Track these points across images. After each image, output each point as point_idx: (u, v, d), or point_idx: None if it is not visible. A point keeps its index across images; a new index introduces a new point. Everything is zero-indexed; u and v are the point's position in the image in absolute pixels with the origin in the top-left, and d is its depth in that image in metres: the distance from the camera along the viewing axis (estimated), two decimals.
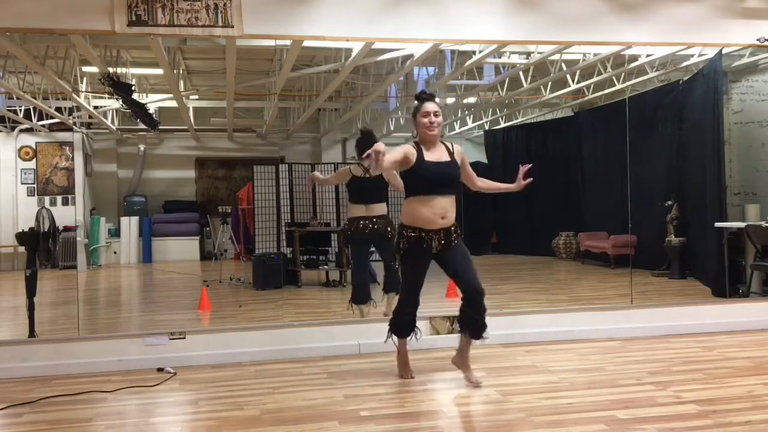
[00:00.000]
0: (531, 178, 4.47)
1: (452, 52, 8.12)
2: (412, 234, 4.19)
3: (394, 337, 4.45)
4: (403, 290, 4.44)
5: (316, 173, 5.89)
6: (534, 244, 11.52)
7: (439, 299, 6.44)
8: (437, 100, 4.39)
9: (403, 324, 4.40)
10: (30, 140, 12.85)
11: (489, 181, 4.62)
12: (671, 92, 8.93)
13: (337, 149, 13.11)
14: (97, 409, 3.94)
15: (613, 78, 9.22)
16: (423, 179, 4.17)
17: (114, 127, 12.30)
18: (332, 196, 10.57)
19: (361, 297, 6.04)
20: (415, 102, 4.36)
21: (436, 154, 4.25)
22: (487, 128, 12.67)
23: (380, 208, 6.02)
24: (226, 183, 13.80)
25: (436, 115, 4.24)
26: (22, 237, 5.42)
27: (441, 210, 4.18)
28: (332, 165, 11.02)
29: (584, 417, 3.55)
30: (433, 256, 4.26)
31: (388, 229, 5.97)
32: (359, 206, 6.01)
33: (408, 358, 4.49)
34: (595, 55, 8.10)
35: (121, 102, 9.15)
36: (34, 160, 12.90)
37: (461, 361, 4.34)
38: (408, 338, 4.45)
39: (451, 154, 4.29)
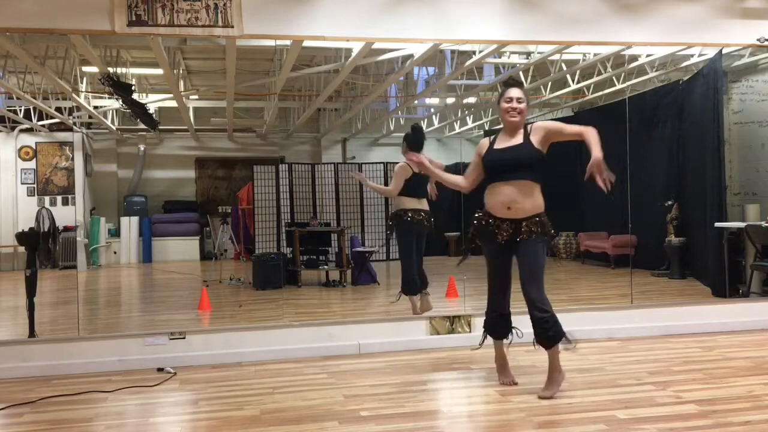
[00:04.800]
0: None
1: (452, 52, 8.13)
2: (482, 220, 4.10)
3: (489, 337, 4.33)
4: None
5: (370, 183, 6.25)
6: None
7: (438, 299, 6.44)
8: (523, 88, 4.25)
9: (492, 323, 4.29)
10: (30, 140, 12.85)
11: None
12: (671, 92, 8.92)
13: (337, 149, 13.10)
14: (97, 409, 3.95)
15: (613, 78, 9.22)
16: (486, 168, 4.12)
17: (114, 127, 12.30)
18: (332, 197, 10.57)
19: (411, 287, 6.09)
20: (500, 87, 4.25)
21: (510, 141, 4.10)
22: (487, 128, 12.66)
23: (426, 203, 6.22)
24: (226, 183, 13.78)
25: (519, 101, 4.09)
26: (22, 237, 5.42)
27: (506, 199, 3.99)
28: (332, 165, 11.01)
29: (584, 417, 3.55)
30: (507, 249, 4.08)
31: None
32: (412, 199, 6.12)
33: (506, 360, 4.33)
34: (595, 55, 8.11)
35: (121, 102, 9.15)
36: (34, 160, 12.90)
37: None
38: (505, 340, 4.29)
39: (526, 136, 4.07)
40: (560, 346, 4.00)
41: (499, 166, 4.04)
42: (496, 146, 4.12)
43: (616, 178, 3.70)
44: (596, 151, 3.74)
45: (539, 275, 4.03)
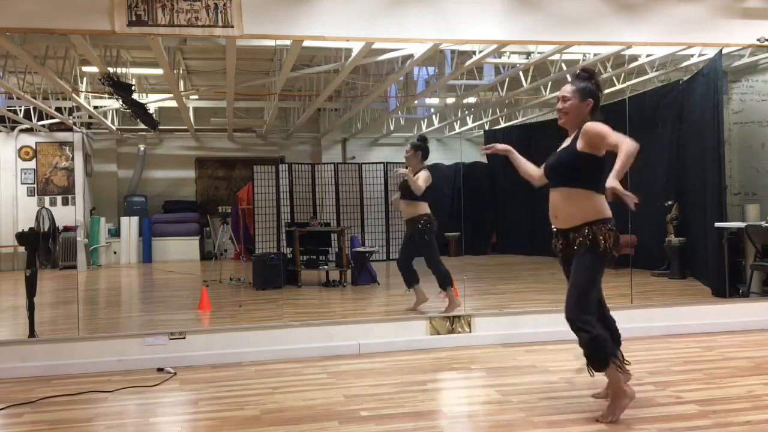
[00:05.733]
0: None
1: (452, 52, 8.13)
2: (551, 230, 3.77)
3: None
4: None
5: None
6: (534, 244, 11.50)
7: (439, 299, 6.44)
8: (574, 82, 3.70)
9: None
10: (30, 140, 12.86)
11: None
12: (671, 92, 8.92)
13: (337, 149, 13.11)
14: (97, 409, 3.95)
15: (613, 78, 9.22)
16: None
17: (114, 127, 12.30)
18: (332, 197, 10.57)
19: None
20: None
21: (565, 143, 3.74)
22: (487, 128, 12.67)
23: None
24: (226, 183, 13.79)
25: (564, 100, 3.68)
26: (22, 237, 5.42)
27: (552, 207, 3.70)
28: (332, 165, 11.02)
29: (584, 417, 3.55)
30: (568, 261, 3.66)
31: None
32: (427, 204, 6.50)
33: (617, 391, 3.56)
34: (595, 55, 8.11)
35: (121, 102, 9.15)
36: (34, 160, 12.90)
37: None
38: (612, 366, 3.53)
39: (576, 137, 3.60)
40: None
41: (546, 171, 3.78)
42: (561, 147, 3.77)
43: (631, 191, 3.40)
44: (612, 177, 3.27)
45: (576, 291, 3.56)
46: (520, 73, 9.08)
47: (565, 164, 3.64)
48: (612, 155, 3.44)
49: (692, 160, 8.14)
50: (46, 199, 12.74)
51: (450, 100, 11.07)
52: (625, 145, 3.35)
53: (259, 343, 5.18)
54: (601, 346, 3.50)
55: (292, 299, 7.85)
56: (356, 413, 3.70)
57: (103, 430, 3.60)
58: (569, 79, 3.81)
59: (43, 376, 4.72)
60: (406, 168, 6.39)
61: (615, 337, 3.79)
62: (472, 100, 11.26)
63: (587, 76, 3.70)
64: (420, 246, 6.45)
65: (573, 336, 5.55)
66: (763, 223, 6.80)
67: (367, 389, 4.19)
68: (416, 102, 11.63)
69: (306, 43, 6.26)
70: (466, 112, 12.16)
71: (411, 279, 6.56)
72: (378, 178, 10.69)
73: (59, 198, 12.92)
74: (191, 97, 10.97)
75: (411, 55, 7.59)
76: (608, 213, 3.61)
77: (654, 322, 5.75)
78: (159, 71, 8.94)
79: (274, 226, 10.51)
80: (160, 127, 12.15)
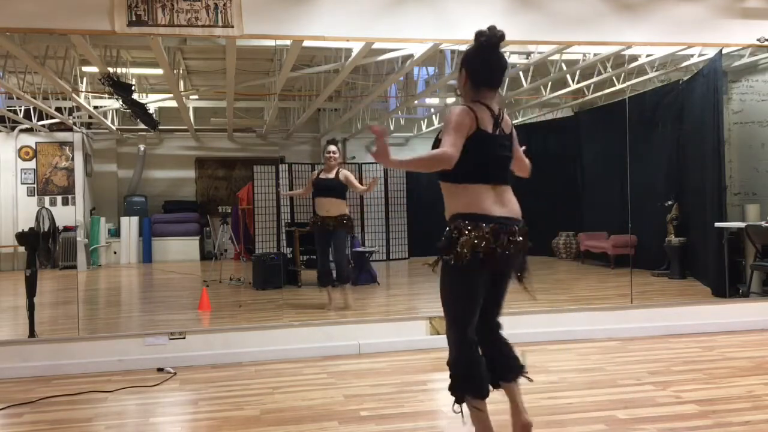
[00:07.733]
0: None
1: (452, 52, 8.13)
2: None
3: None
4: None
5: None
6: (534, 244, 11.49)
7: (438, 299, 6.44)
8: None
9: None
10: (30, 140, 12.85)
11: None
12: (671, 92, 8.93)
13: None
14: (97, 409, 3.95)
15: (613, 78, 9.23)
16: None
17: (114, 127, 12.30)
18: None
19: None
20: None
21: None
22: None
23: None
24: (226, 183, 13.79)
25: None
26: (22, 237, 5.42)
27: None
28: None
29: (584, 417, 3.55)
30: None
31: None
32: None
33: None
34: (595, 55, 8.11)
35: (121, 102, 9.15)
36: (34, 160, 12.90)
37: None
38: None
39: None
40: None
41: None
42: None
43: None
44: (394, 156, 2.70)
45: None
46: (520, 73, 9.08)
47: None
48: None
49: (692, 160, 8.14)
50: (46, 199, 12.74)
51: (450, 100, 11.06)
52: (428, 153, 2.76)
53: (259, 343, 5.18)
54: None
55: (292, 299, 7.85)
56: (356, 413, 3.70)
57: (103, 430, 3.60)
58: None
59: (43, 376, 4.73)
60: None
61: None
62: None
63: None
64: (342, 240, 6.87)
65: (572, 336, 5.56)
66: (763, 223, 6.80)
67: (367, 389, 4.19)
68: (416, 102, 11.62)
69: (306, 43, 6.26)
70: None
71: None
72: (378, 178, 10.68)
73: (59, 198, 12.91)
74: (191, 97, 10.96)
75: (411, 55, 7.58)
76: None
77: (654, 322, 5.74)
78: (159, 71, 8.93)
79: (274, 226, 10.50)
80: (160, 127, 12.14)
